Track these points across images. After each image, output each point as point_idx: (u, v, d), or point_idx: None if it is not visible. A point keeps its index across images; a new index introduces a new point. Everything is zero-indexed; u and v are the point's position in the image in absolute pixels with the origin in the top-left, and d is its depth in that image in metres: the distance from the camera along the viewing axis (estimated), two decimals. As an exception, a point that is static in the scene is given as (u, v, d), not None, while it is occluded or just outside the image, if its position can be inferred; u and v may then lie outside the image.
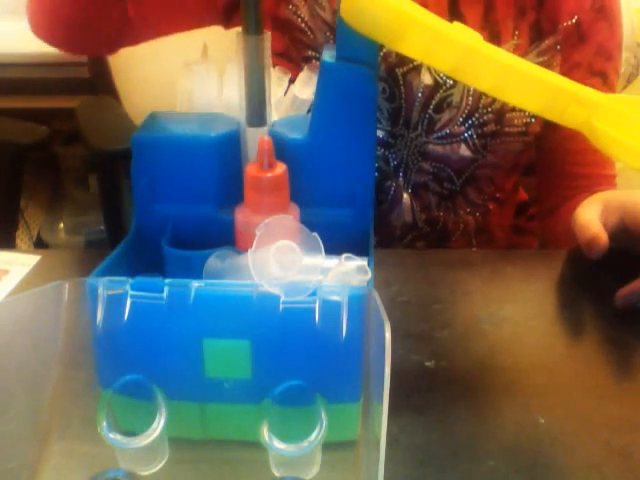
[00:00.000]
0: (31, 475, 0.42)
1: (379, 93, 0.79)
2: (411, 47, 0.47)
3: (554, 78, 0.48)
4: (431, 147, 0.82)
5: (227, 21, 0.82)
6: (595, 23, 0.81)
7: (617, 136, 0.47)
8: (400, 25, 0.46)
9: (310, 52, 0.80)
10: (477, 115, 0.79)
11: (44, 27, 0.77)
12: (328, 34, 0.79)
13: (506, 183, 0.90)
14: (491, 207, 0.90)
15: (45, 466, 0.43)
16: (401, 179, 0.84)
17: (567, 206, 0.84)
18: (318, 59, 0.80)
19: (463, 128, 0.80)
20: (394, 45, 0.47)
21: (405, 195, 0.84)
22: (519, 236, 0.98)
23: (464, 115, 0.79)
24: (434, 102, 0.79)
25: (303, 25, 0.79)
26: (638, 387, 0.54)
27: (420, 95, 0.79)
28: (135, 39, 0.81)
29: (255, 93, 0.51)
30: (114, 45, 0.83)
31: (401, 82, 0.79)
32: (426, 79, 0.78)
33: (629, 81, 1.28)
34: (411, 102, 0.79)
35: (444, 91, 0.78)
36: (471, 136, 0.81)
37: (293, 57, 0.82)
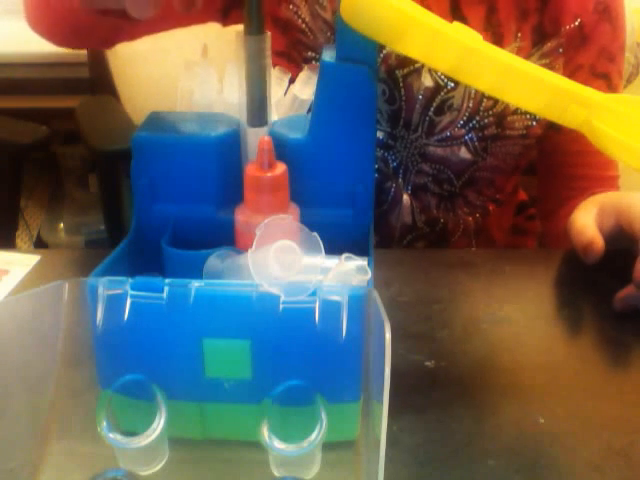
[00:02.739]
0: (31, 475, 0.42)
1: (379, 95, 0.79)
2: (411, 47, 0.47)
3: (554, 78, 0.48)
4: (431, 149, 0.82)
5: (225, 18, 0.82)
6: (598, 25, 0.81)
7: (617, 136, 0.47)
8: (400, 25, 0.46)
9: (310, 53, 0.80)
10: (478, 118, 0.79)
11: (38, 21, 0.77)
12: (329, 34, 0.79)
13: (506, 184, 0.90)
14: (491, 208, 0.90)
15: (45, 466, 0.43)
16: (400, 180, 0.84)
17: (568, 207, 0.84)
18: (318, 60, 0.80)
19: (464, 131, 0.80)
20: (394, 45, 0.47)
21: (405, 196, 0.84)
22: (517, 236, 0.98)
23: (465, 118, 0.79)
24: (435, 104, 0.79)
25: (304, 26, 0.79)
26: (638, 387, 0.54)
27: (420, 97, 0.79)
28: (132, 35, 0.81)
29: (256, 93, 0.51)
30: (111, 41, 0.82)
31: (401, 84, 0.78)
32: (427, 81, 0.78)
33: (629, 81, 1.28)
34: (411, 104, 0.79)
35: (445, 93, 0.78)
36: (471, 139, 0.81)
37: (293, 57, 0.82)
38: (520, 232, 0.99)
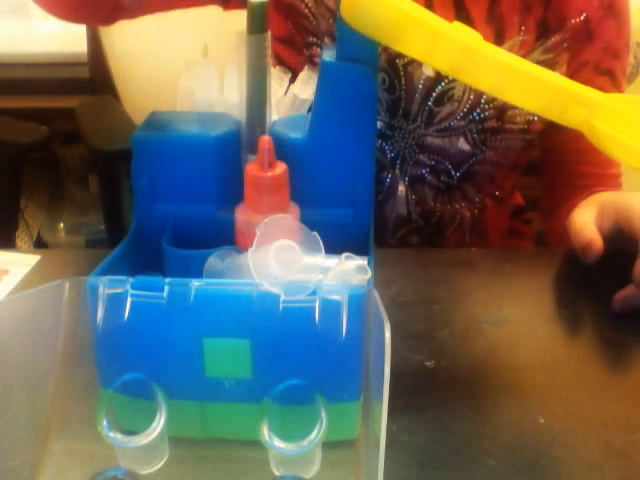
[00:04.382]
0: (31, 474, 0.42)
1: (378, 84, 0.79)
2: (411, 46, 0.47)
3: (554, 78, 0.48)
4: (429, 139, 0.81)
5: (226, 2, 0.81)
6: (604, 21, 0.80)
7: (617, 136, 0.47)
8: (400, 24, 0.46)
9: (312, 38, 0.80)
10: (478, 110, 0.79)
11: None
12: (331, 22, 0.79)
13: (506, 182, 0.90)
14: (489, 204, 0.90)
15: (45, 465, 0.43)
16: (397, 171, 0.84)
17: (570, 205, 0.84)
18: (320, 46, 0.80)
19: (463, 123, 0.80)
20: (394, 44, 0.47)
21: (401, 187, 0.84)
22: (513, 239, 0.98)
23: (465, 110, 0.79)
24: (435, 94, 0.79)
25: (307, 11, 0.79)
26: (638, 387, 0.54)
27: (421, 87, 0.79)
28: (131, 13, 0.81)
29: (256, 92, 0.51)
30: (112, 19, 0.82)
31: (402, 73, 0.78)
32: (428, 71, 0.78)
33: (629, 81, 1.28)
34: (411, 94, 0.79)
35: (446, 84, 0.78)
36: (470, 130, 0.81)
37: (295, 43, 0.82)
38: (515, 235, 0.98)
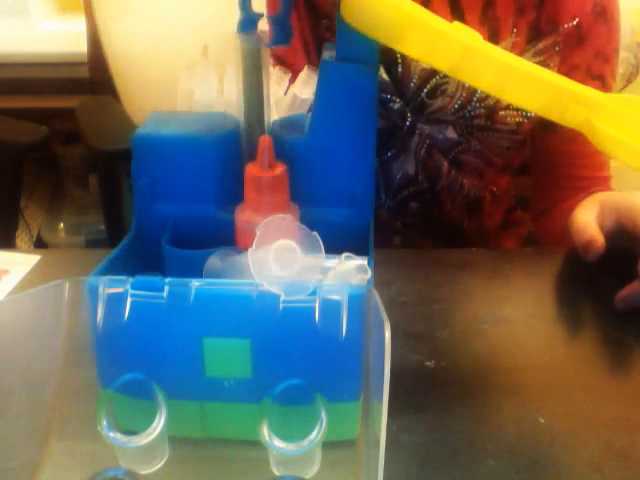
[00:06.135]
0: (31, 474, 0.42)
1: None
2: (411, 46, 0.47)
3: (554, 78, 0.48)
4: (419, 125, 0.83)
5: None
6: (595, 26, 0.81)
7: (617, 136, 0.47)
8: (400, 24, 0.46)
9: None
10: (469, 108, 0.80)
11: None
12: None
13: (500, 180, 0.90)
14: (486, 196, 0.90)
15: (45, 465, 0.43)
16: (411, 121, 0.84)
17: (562, 207, 0.84)
18: (326, 27, 0.81)
19: (453, 118, 0.81)
20: (394, 44, 0.47)
21: (416, 136, 0.84)
22: (510, 228, 0.98)
23: (457, 106, 0.80)
24: (428, 86, 0.80)
25: None
26: (638, 387, 0.54)
27: (416, 78, 0.79)
28: None
29: (253, 94, 0.51)
30: None
31: (399, 61, 0.80)
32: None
33: (629, 81, 1.28)
34: (406, 82, 0.80)
35: (440, 78, 0.79)
36: (460, 123, 0.81)
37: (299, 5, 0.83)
38: (509, 225, 0.99)
